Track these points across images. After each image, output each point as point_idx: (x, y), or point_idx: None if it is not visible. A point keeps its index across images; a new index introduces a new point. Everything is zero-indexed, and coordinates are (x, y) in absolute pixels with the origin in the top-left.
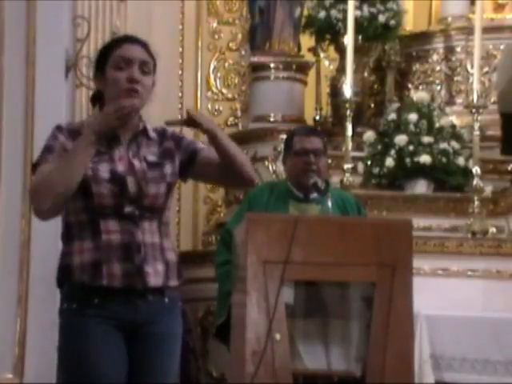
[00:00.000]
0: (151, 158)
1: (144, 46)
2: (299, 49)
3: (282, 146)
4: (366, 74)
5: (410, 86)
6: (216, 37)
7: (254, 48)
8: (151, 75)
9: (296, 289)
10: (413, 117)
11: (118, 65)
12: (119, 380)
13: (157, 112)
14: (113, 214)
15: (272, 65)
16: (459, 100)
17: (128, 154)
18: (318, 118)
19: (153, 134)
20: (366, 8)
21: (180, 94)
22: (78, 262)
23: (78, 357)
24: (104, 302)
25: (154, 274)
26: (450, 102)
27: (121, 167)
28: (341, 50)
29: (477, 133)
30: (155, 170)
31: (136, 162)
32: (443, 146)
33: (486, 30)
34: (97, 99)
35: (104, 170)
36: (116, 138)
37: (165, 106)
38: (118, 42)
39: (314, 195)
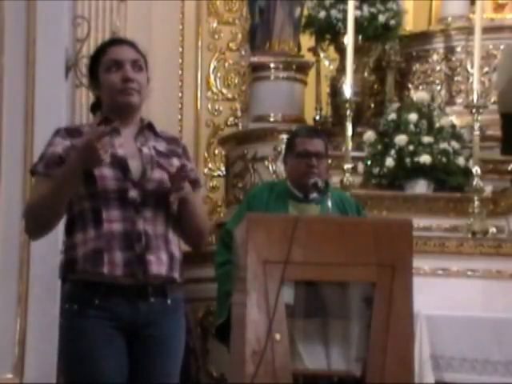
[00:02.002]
0: (160, 148)
1: (131, 45)
2: (299, 49)
3: (282, 146)
4: (366, 74)
5: (410, 85)
6: (216, 37)
7: (254, 48)
8: (144, 72)
9: (296, 289)
10: (413, 117)
11: (109, 68)
12: (120, 381)
13: (157, 112)
14: (116, 200)
15: (272, 65)
16: (459, 100)
17: (136, 144)
18: (317, 117)
19: (160, 133)
20: (365, 8)
21: (180, 94)
22: (81, 252)
23: (79, 358)
24: (105, 302)
25: (157, 263)
26: (450, 101)
27: (121, 151)
28: (341, 50)
29: (477, 133)
30: (163, 159)
31: (145, 149)
32: (443, 146)
33: (486, 30)
34: (97, 107)
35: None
36: (115, 129)
37: (165, 106)
38: (106, 46)
39: (314, 195)
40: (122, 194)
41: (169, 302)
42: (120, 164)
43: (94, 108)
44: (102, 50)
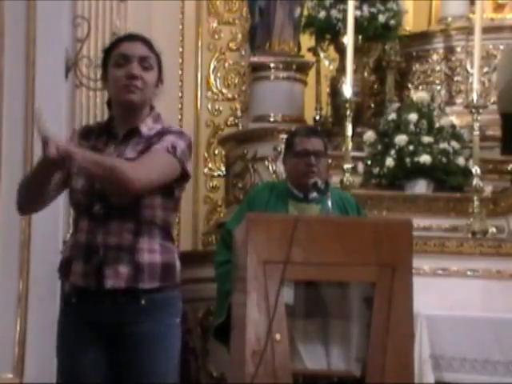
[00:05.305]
0: (130, 155)
1: (145, 42)
2: (299, 49)
3: (282, 146)
4: (366, 74)
5: (409, 86)
6: (216, 37)
7: (254, 48)
8: (153, 70)
9: (296, 289)
10: (413, 117)
11: (117, 62)
12: (95, 380)
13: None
14: (85, 212)
15: (272, 65)
16: (459, 100)
17: (115, 154)
18: (317, 117)
19: (149, 132)
20: (365, 8)
21: (180, 94)
22: (63, 257)
23: (58, 354)
24: (79, 301)
25: (114, 276)
26: (450, 102)
27: None
28: (341, 50)
29: (477, 133)
30: None
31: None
32: (443, 146)
33: (486, 29)
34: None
35: None
36: (115, 134)
37: (165, 105)
38: (119, 40)
39: (314, 195)
40: (90, 207)
41: (143, 302)
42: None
43: (110, 104)
44: (114, 44)
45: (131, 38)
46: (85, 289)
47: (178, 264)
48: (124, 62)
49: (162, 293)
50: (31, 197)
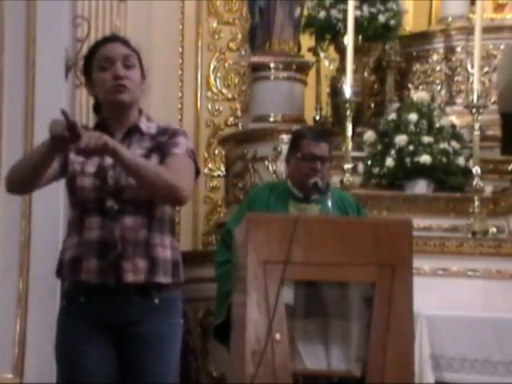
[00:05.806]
0: (139, 151)
1: (123, 41)
2: (299, 49)
3: (282, 146)
4: (366, 74)
5: (410, 85)
6: (216, 37)
7: (254, 48)
8: (137, 68)
9: (296, 289)
10: (413, 117)
11: (101, 66)
12: (104, 380)
13: (157, 112)
14: (95, 210)
15: (272, 65)
16: (459, 100)
17: None
18: (317, 117)
19: (148, 130)
20: (365, 8)
21: (180, 94)
22: (66, 257)
23: (62, 355)
24: (89, 300)
25: (133, 271)
26: (450, 102)
27: (108, 161)
28: (341, 50)
29: (477, 133)
30: None
31: None
32: (443, 145)
33: (486, 29)
34: (99, 106)
35: (92, 164)
36: (111, 134)
37: (165, 106)
38: (98, 44)
39: (315, 196)
40: (101, 204)
41: (156, 301)
42: (101, 175)
43: (96, 108)
44: (94, 49)
45: (109, 39)
46: (97, 287)
47: (181, 263)
48: (108, 65)
49: (171, 292)
50: (28, 178)
